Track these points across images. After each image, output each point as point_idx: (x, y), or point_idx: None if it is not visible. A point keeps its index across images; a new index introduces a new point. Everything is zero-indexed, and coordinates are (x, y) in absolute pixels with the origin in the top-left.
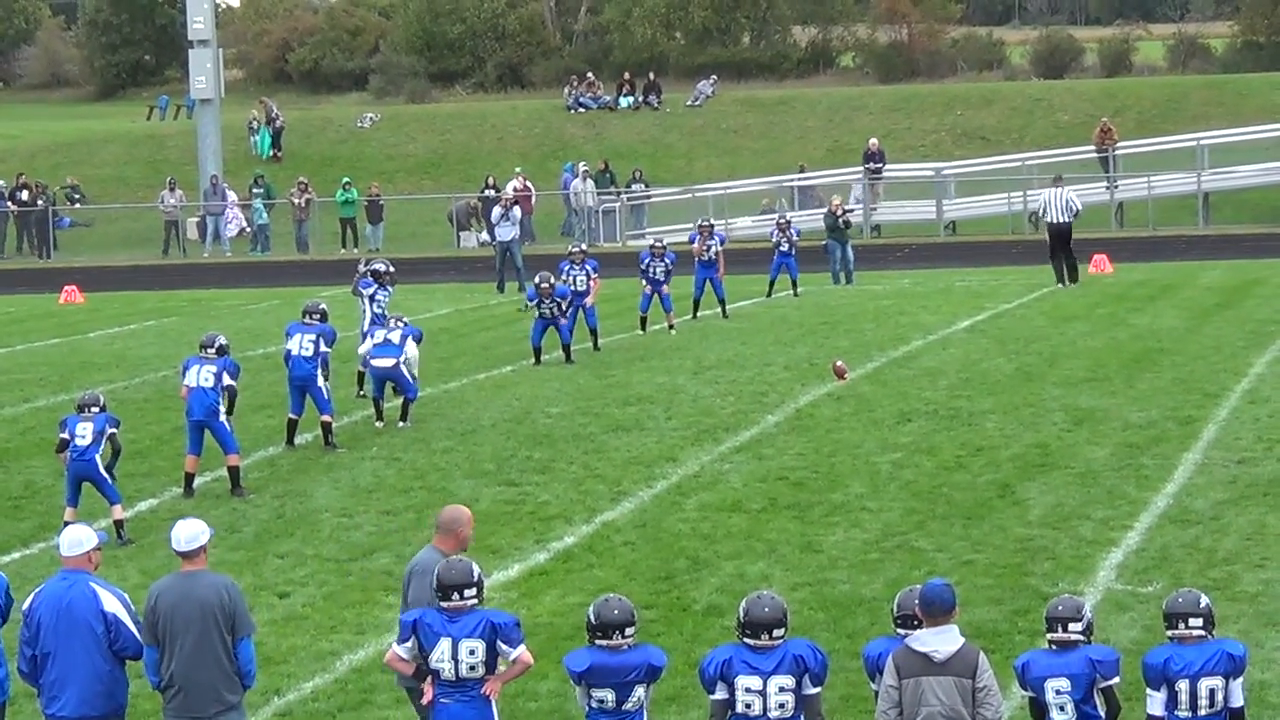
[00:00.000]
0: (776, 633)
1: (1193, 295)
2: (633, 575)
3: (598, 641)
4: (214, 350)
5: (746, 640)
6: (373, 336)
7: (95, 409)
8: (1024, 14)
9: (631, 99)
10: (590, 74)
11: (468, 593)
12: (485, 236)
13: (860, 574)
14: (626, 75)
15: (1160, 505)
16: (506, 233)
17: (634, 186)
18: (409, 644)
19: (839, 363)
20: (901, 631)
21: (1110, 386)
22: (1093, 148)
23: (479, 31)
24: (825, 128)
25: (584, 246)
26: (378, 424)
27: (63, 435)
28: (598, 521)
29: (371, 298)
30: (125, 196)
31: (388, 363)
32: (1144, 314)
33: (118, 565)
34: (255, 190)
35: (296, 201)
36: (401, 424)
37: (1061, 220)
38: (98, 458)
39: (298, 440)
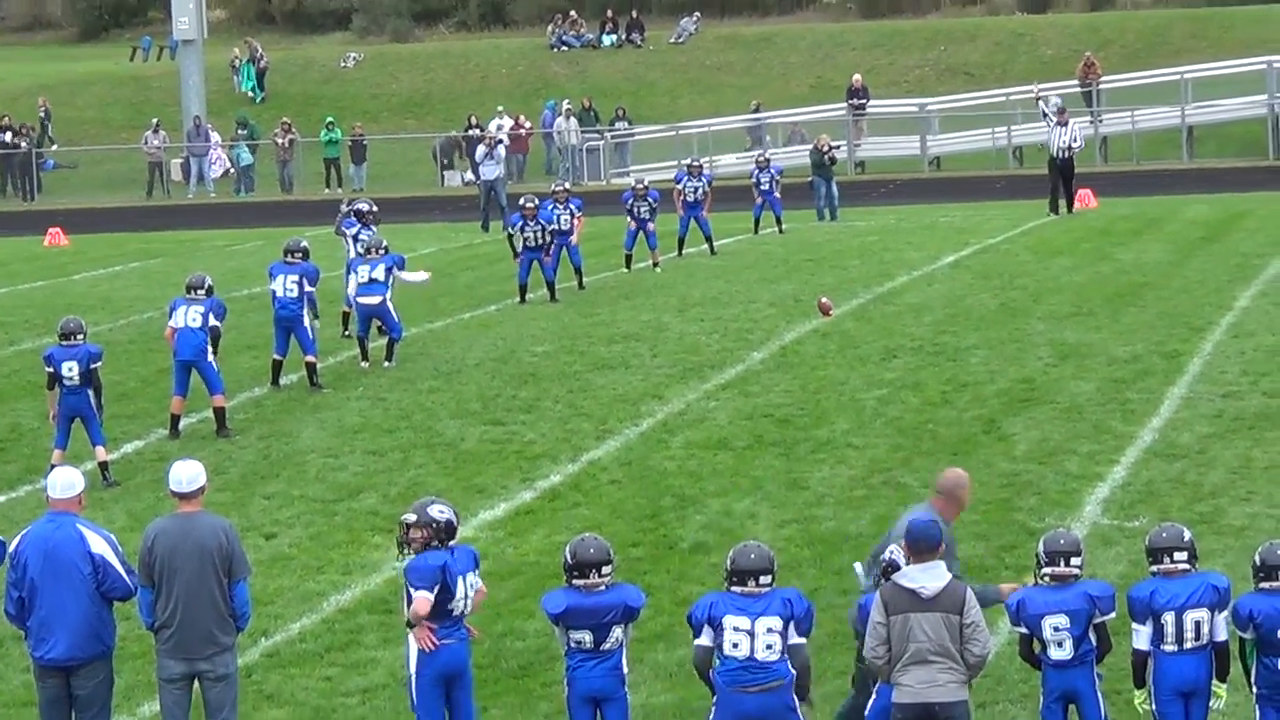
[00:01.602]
0: (763, 579)
1: (1177, 229)
2: (619, 513)
3: (574, 581)
4: (202, 291)
5: (734, 589)
6: (356, 274)
7: (79, 337)
8: None
9: (614, 37)
10: (573, 12)
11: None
12: (470, 175)
13: (846, 510)
14: (609, 13)
15: (1146, 440)
16: (491, 171)
17: (617, 125)
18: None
19: (823, 299)
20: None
21: (1095, 321)
22: (1076, 82)
23: None
24: (808, 64)
25: (567, 185)
26: (363, 364)
27: (49, 370)
28: (584, 460)
29: (355, 237)
30: (109, 138)
31: (373, 300)
32: (1128, 248)
33: (104, 507)
34: (240, 131)
35: (280, 142)
36: (387, 364)
37: (1064, 154)
38: (89, 393)
39: (283, 381)
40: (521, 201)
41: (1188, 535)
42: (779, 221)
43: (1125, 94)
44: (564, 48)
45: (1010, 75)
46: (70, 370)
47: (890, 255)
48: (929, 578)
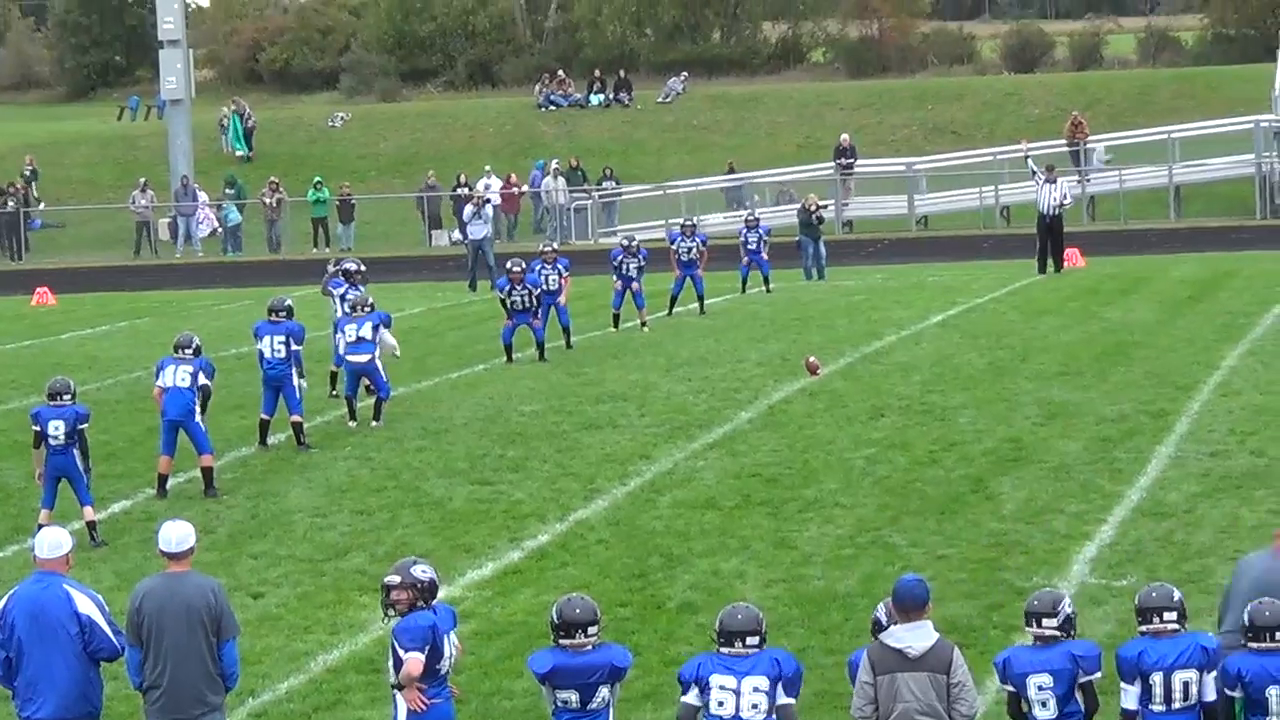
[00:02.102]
0: (750, 640)
1: (1164, 288)
2: (606, 573)
3: (561, 641)
4: (190, 350)
5: (722, 650)
6: (344, 333)
7: (66, 397)
8: (994, 8)
9: (602, 96)
10: (561, 71)
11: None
12: (458, 235)
13: (834, 570)
14: (597, 72)
15: (1134, 499)
16: (479, 231)
17: (605, 184)
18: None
19: (811, 359)
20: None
21: (1083, 380)
22: (1064, 141)
23: (449, 29)
24: (796, 123)
25: (555, 245)
26: (351, 423)
27: (35, 429)
28: (571, 519)
29: (342, 297)
30: (96, 197)
31: (362, 358)
32: (1116, 307)
33: (91, 567)
34: (228, 190)
35: (268, 201)
36: (375, 423)
37: (1054, 211)
38: (75, 453)
39: (271, 440)
40: (508, 265)
41: (1177, 595)
42: (766, 281)
43: (1113, 153)
44: (552, 107)
45: (998, 134)
46: (56, 430)
47: (878, 314)
48: (915, 637)
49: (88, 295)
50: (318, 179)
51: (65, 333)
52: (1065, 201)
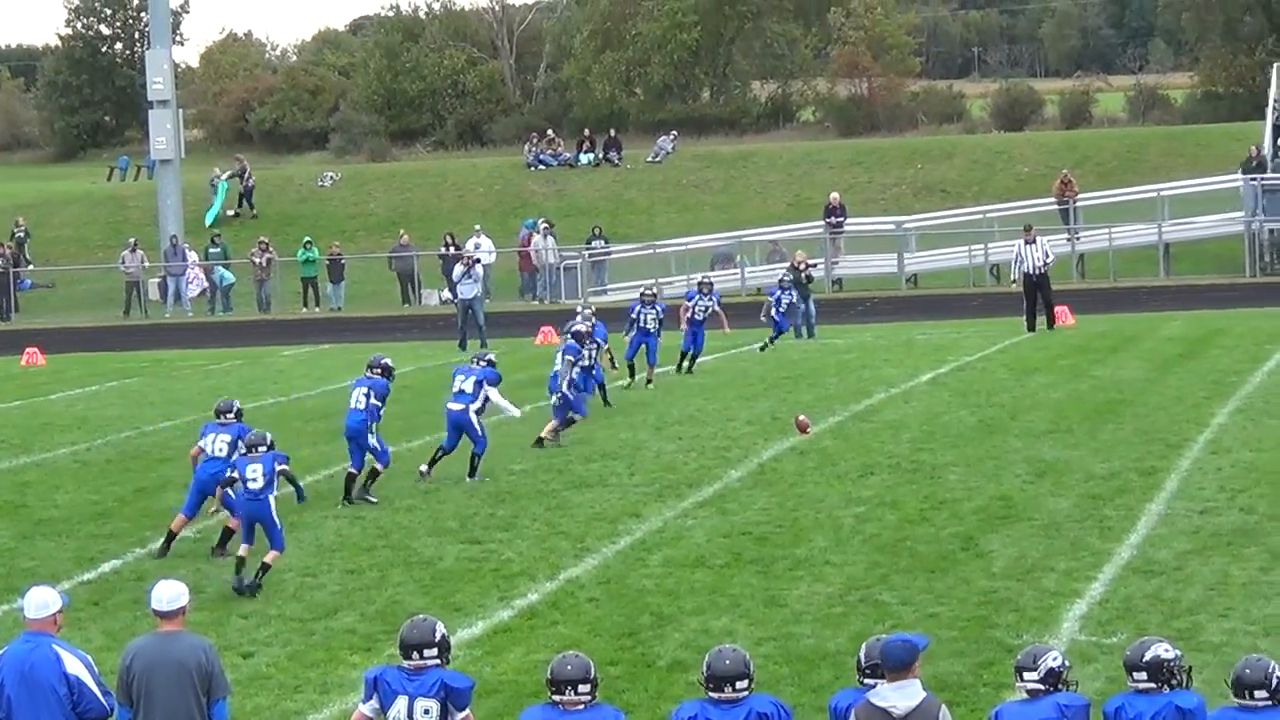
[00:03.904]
0: (739, 685)
1: (1154, 346)
2: (597, 632)
3: (554, 697)
4: (231, 415)
5: (711, 694)
6: (454, 381)
7: (263, 448)
8: (984, 67)
9: (592, 156)
10: (550, 131)
11: (428, 652)
12: (447, 294)
13: (824, 628)
14: (586, 132)
15: (1124, 556)
16: (469, 290)
17: (594, 243)
18: (372, 701)
19: (801, 417)
20: (868, 682)
21: (1072, 438)
22: (1053, 200)
23: (439, 89)
24: (786, 182)
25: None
26: (423, 470)
27: (231, 474)
28: (562, 578)
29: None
30: (86, 257)
31: (456, 408)
32: (1106, 365)
33: (80, 627)
34: (212, 250)
35: (257, 261)
36: (469, 479)
37: (1039, 270)
38: (271, 499)
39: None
40: (575, 327)
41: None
42: (693, 359)
43: (1102, 211)
44: (541, 166)
45: (987, 193)
46: (254, 472)
47: (868, 373)
48: (901, 696)
49: (77, 355)
50: (307, 239)
51: (55, 393)
52: (1049, 260)
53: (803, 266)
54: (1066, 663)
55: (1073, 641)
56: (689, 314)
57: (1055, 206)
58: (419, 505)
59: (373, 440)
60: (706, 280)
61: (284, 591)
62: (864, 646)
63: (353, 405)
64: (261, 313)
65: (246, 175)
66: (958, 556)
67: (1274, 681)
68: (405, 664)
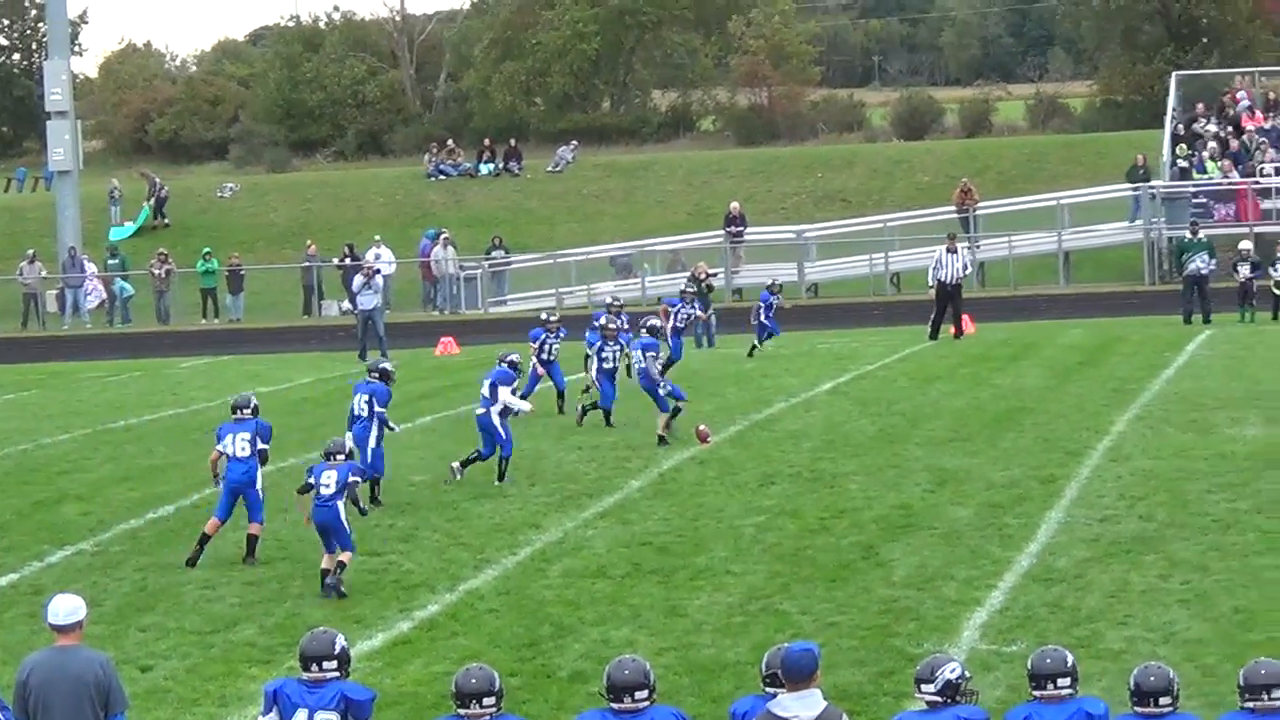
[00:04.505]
0: (639, 695)
1: (1054, 354)
2: (497, 643)
3: (459, 711)
4: (249, 410)
5: (611, 705)
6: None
7: (341, 456)
8: (884, 75)
9: (492, 166)
10: (450, 141)
11: (328, 664)
12: (347, 305)
13: (725, 638)
14: (487, 142)
15: (1024, 564)
16: (369, 301)
17: (494, 253)
18: (272, 714)
19: (702, 427)
20: (770, 690)
21: (973, 446)
22: (953, 208)
23: (339, 100)
24: (686, 191)
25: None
26: (456, 470)
27: (309, 480)
28: (461, 589)
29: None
30: None
31: (481, 412)
32: (1006, 373)
33: None
34: (111, 261)
35: (157, 272)
36: (498, 482)
37: (957, 279)
38: (339, 505)
39: (156, 513)
40: (602, 322)
41: (1071, 660)
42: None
43: (1002, 219)
44: (441, 177)
45: (887, 202)
46: (329, 479)
47: (768, 382)
48: (802, 706)
49: None
50: (206, 250)
51: None
52: (967, 270)
53: (703, 276)
54: (966, 674)
55: (973, 650)
56: (670, 323)
57: (955, 215)
58: None
59: (371, 446)
60: (691, 287)
61: (182, 604)
62: (767, 655)
63: (355, 412)
64: (161, 324)
65: (158, 187)
66: (858, 565)
67: (1175, 688)
68: (305, 676)
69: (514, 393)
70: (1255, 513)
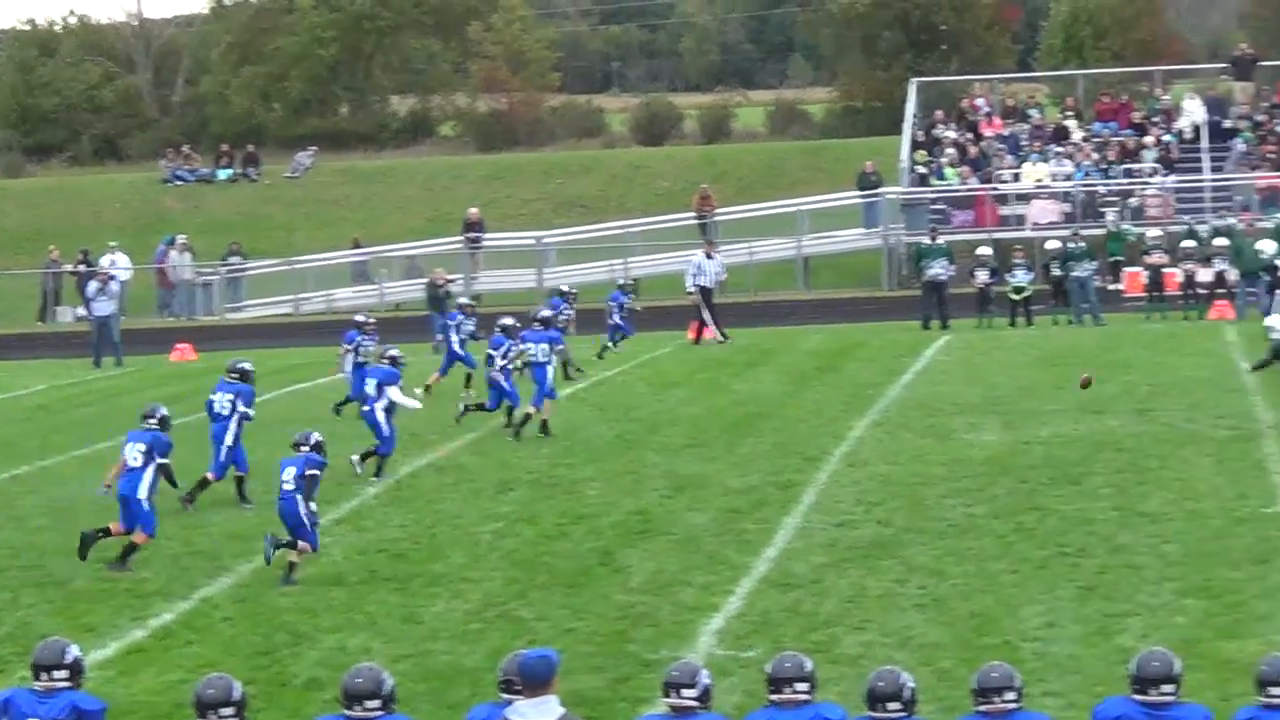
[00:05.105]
0: (370, 704)
1: (793, 360)
2: (232, 651)
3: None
4: (155, 421)
5: (346, 713)
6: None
7: (305, 448)
8: (623, 81)
9: (230, 171)
10: (187, 146)
11: (58, 673)
12: (82, 311)
13: (461, 644)
14: (225, 147)
15: (761, 570)
16: (104, 308)
17: (231, 259)
18: None
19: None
20: (507, 697)
21: (711, 452)
22: (693, 214)
23: (75, 104)
24: (425, 197)
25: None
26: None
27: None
28: (196, 597)
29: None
30: None
31: (365, 409)
32: (745, 380)
33: None
34: None
35: None
36: (375, 478)
37: (715, 282)
38: (298, 498)
39: None
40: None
41: (809, 665)
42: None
43: (742, 226)
44: (178, 182)
45: (626, 207)
46: (289, 474)
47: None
48: (539, 713)
49: None
50: None
51: None
52: (722, 275)
53: (441, 283)
54: (712, 682)
55: (710, 655)
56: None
57: (695, 221)
58: (51, 525)
59: (227, 443)
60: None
61: None
62: (503, 661)
63: (215, 410)
64: None
65: None
66: (596, 571)
67: (906, 693)
68: (36, 686)
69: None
70: (991, 518)
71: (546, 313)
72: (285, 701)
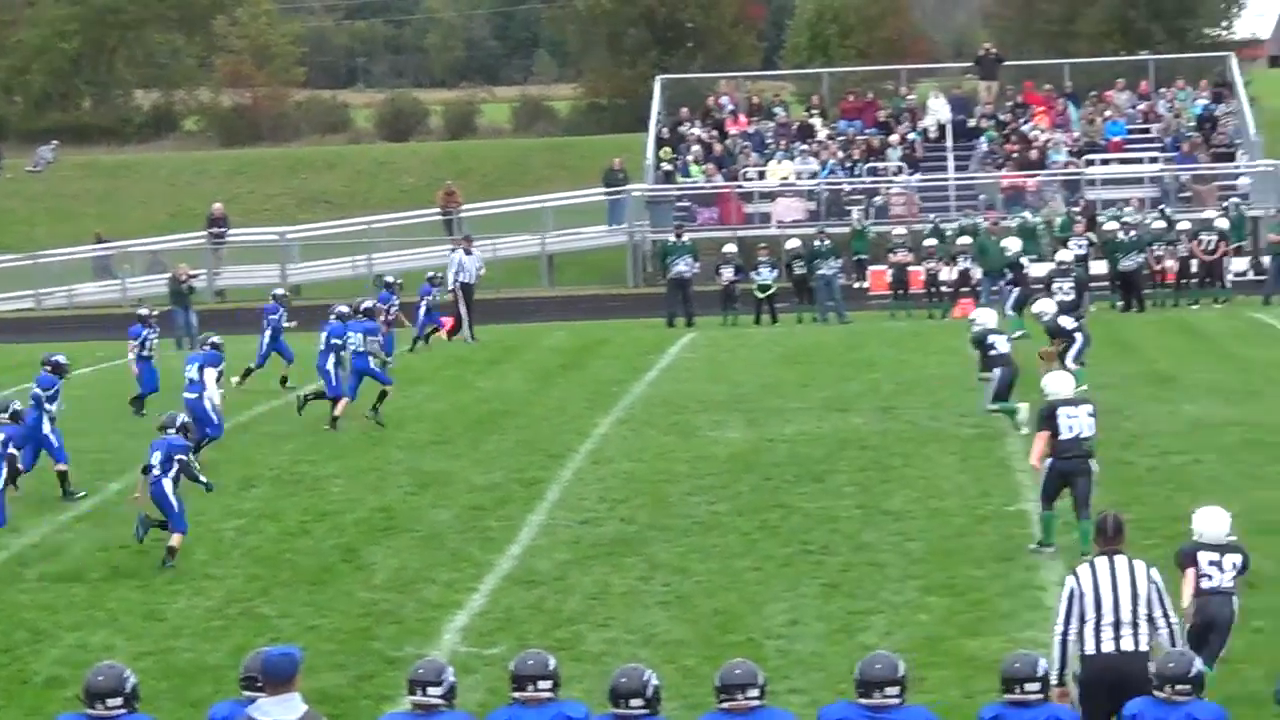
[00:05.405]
0: (112, 702)
1: (537, 357)
2: None
3: None
4: (6, 415)
5: (87, 711)
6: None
7: (171, 430)
8: (368, 77)
9: None
10: None
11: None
12: None
13: (203, 642)
14: None
15: (505, 567)
16: None
17: None
18: None
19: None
20: (249, 694)
21: (455, 449)
22: (438, 210)
23: None
24: (168, 192)
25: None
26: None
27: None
28: None
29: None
30: None
31: (190, 396)
32: (489, 376)
33: None
34: None
35: None
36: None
37: (475, 279)
38: (165, 482)
39: None
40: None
41: (552, 663)
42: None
43: (486, 222)
44: None
45: (371, 203)
46: (155, 458)
47: (249, 384)
48: (283, 710)
49: None
50: None
51: None
52: (481, 270)
53: (184, 278)
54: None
55: (454, 653)
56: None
57: (439, 217)
58: None
59: (47, 431)
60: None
61: None
62: (245, 659)
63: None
64: None
65: None
66: (339, 569)
67: (650, 690)
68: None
69: None
70: (735, 515)
71: (369, 304)
72: (26, 700)
